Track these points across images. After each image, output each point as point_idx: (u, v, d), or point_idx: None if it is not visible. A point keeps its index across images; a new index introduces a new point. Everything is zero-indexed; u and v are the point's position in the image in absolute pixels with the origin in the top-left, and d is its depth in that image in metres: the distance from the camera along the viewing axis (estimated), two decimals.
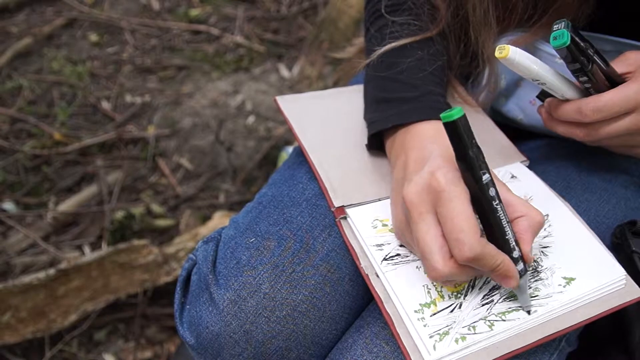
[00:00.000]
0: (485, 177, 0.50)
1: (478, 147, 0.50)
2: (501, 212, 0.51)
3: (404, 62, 0.67)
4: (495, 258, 0.50)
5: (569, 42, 0.54)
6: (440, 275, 0.50)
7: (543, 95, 0.64)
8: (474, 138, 0.50)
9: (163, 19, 2.12)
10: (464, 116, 0.49)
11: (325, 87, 1.79)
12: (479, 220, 0.51)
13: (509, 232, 0.51)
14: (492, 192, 0.50)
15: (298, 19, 2.12)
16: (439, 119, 0.54)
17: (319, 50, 1.88)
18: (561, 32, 0.55)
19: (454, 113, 0.48)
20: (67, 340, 1.22)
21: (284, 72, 1.92)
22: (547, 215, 0.62)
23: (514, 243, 0.52)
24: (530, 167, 0.69)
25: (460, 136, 0.49)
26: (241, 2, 2.20)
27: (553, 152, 0.74)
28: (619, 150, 0.67)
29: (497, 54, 0.54)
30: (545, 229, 0.61)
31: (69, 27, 2.06)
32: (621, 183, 0.71)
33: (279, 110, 0.73)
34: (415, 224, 0.52)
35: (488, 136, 0.72)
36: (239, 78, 1.89)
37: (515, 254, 0.52)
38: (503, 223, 0.51)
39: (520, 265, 0.52)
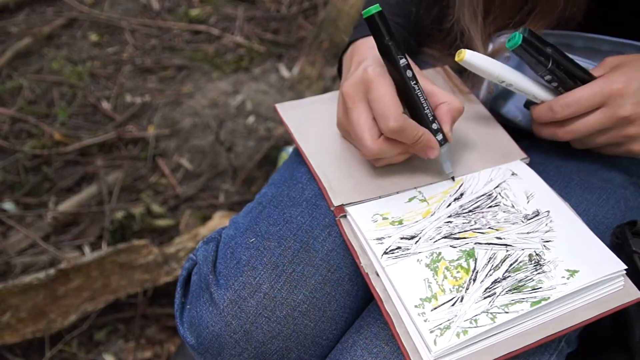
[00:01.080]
0: (402, 61, 0.60)
1: (396, 39, 0.60)
2: (418, 90, 0.61)
3: None
4: (416, 130, 0.59)
5: (520, 42, 0.60)
6: (370, 151, 0.60)
7: (529, 104, 0.69)
8: (391, 31, 0.60)
9: (163, 19, 2.12)
10: (382, 12, 0.59)
11: (325, 87, 1.79)
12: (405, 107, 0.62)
13: (427, 107, 0.61)
14: (409, 73, 0.60)
15: (298, 19, 2.12)
16: None
17: (319, 50, 1.88)
18: (514, 34, 0.60)
19: (372, 9, 0.59)
20: (67, 340, 1.22)
21: (284, 72, 1.92)
22: (548, 211, 0.63)
23: (431, 117, 0.62)
24: (529, 166, 0.69)
25: (378, 28, 0.59)
26: (241, 2, 2.20)
27: (552, 152, 0.74)
28: (608, 151, 0.69)
29: (456, 57, 0.61)
30: (546, 224, 0.62)
31: (69, 27, 2.06)
32: (620, 183, 0.71)
33: (278, 117, 0.75)
34: (350, 111, 0.61)
35: (489, 133, 0.72)
36: (239, 78, 1.89)
37: (434, 126, 0.62)
38: (421, 100, 0.61)
39: (440, 136, 0.62)
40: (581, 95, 0.63)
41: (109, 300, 1.23)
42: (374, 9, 0.59)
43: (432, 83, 0.64)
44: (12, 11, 2.10)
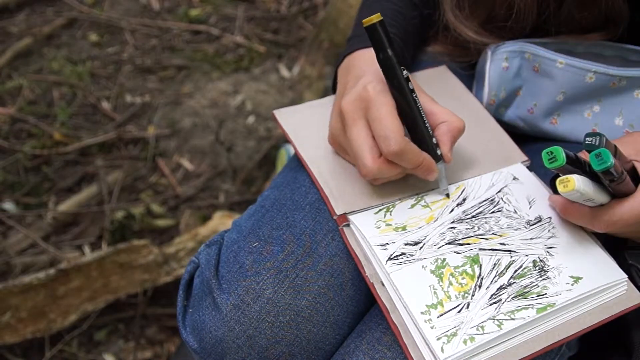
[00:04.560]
0: (405, 73, 0.59)
1: (396, 50, 0.58)
2: (419, 103, 0.59)
3: (375, 5, 0.77)
4: (418, 155, 0.58)
5: (564, 163, 0.53)
6: (370, 171, 0.58)
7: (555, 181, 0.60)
8: (392, 42, 0.58)
9: (163, 19, 2.11)
10: (383, 21, 0.58)
11: (326, 87, 1.79)
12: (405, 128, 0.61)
13: (426, 120, 0.60)
14: (410, 85, 0.59)
15: (298, 19, 2.12)
16: None
17: (319, 50, 1.88)
18: (603, 151, 0.52)
19: (374, 17, 0.57)
20: (67, 340, 1.22)
21: (284, 72, 1.92)
22: (550, 217, 0.63)
23: (431, 130, 0.61)
24: (530, 170, 0.69)
25: (379, 37, 0.58)
26: (241, 2, 2.20)
27: None
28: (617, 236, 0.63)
29: (561, 188, 0.53)
30: (549, 230, 0.62)
31: (69, 27, 2.06)
32: None
33: (277, 124, 0.74)
34: (349, 128, 0.60)
35: (490, 134, 0.72)
36: (239, 78, 1.89)
37: (434, 140, 0.61)
38: (421, 112, 0.60)
39: (438, 151, 0.61)
40: (630, 212, 0.55)
41: (109, 300, 1.23)
42: (376, 17, 0.57)
43: (432, 101, 0.62)
44: (12, 11, 2.09)
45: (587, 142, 0.53)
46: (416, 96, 0.59)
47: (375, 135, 0.58)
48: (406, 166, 0.59)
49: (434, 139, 0.61)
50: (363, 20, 0.58)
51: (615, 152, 0.55)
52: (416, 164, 0.59)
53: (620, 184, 0.54)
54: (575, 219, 0.60)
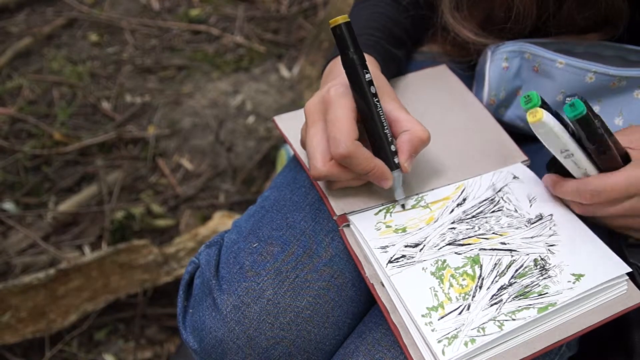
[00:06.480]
0: (367, 76, 0.58)
1: (360, 52, 0.57)
2: (380, 108, 0.58)
3: (363, 11, 0.76)
4: (368, 161, 0.57)
5: (585, 112, 0.53)
6: (319, 173, 0.58)
7: (552, 164, 0.63)
8: (357, 44, 0.58)
9: (163, 19, 2.11)
10: (349, 23, 0.57)
11: None
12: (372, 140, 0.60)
13: (386, 125, 0.59)
14: (372, 89, 0.58)
15: (298, 19, 2.12)
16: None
17: (319, 50, 1.87)
18: (576, 100, 0.53)
19: (340, 18, 0.57)
20: (67, 340, 1.22)
21: (284, 72, 1.92)
22: (552, 215, 0.63)
23: (391, 137, 0.59)
24: (531, 169, 0.69)
25: (343, 38, 0.57)
26: (241, 2, 2.20)
27: None
28: (616, 229, 0.64)
29: (529, 118, 0.54)
30: (550, 228, 0.62)
31: (69, 27, 2.06)
32: None
33: (277, 129, 0.74)
34: (309, 129, 0.60)
35: (489, 134, 0.72)
36: (239, 78, 1.89)
37: (393, 147, 0.59)
38: (382, 118, 0.58)
39: (396, 159, 0.60)
40: (615, 183, 0.56)
41: (109, 300, 1.23)
42: (342, 18, 0.57)
43: (401, 109, 0.61)
44: (12, 11, 2.09)
45: (566, 103, 0.54)
46: (378, 101, 0.58)
47: (328, 137, 0.57)
48: (356, 171, 0.58)
49: (393, 147, 0.59)
50: (330, 21, 0.57)
51: (604, 127, 0.56)
52: (366, 170, 0.57)
53: (606, 154, 0.56)
54: (564, 194, 0.61)
